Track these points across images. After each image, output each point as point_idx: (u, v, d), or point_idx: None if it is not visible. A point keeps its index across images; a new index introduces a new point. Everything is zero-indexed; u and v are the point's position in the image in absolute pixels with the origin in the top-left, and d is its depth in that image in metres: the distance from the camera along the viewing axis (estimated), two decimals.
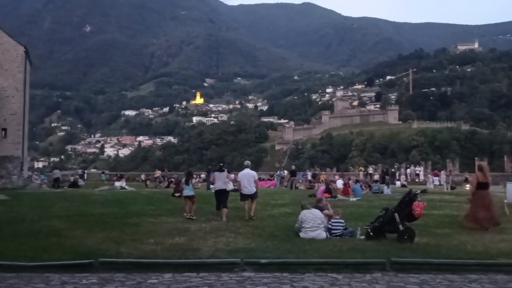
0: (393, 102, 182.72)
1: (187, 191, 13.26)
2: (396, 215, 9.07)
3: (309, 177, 33.87)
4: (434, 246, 8.52)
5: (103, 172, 52.34)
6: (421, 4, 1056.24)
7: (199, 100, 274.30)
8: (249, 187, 12.60)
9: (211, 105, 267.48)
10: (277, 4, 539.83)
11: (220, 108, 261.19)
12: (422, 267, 6.82)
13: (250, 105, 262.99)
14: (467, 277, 6.40)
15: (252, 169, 13.47)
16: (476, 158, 52.49)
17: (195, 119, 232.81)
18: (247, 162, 13.53)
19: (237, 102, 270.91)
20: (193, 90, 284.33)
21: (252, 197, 12.65)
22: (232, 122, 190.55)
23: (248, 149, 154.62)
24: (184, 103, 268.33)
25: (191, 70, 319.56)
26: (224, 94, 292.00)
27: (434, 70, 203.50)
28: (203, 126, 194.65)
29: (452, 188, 31.36)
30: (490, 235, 9.85)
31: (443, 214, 14.06)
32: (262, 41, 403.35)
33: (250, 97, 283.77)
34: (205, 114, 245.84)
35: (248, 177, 12.76)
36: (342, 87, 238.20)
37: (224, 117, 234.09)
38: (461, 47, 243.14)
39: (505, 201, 15.20)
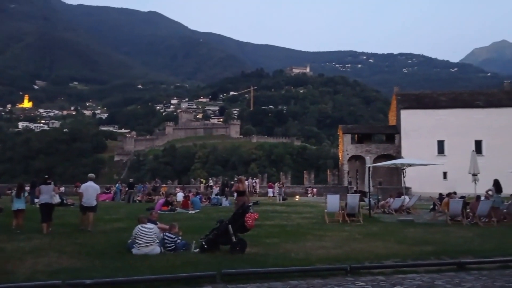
0: (235, 117, 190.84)
1: (18, 205, 12.81)
2: (230, 227, 9.33)
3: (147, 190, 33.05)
4: (262, 255, 8.98)
5: None
6: (262, 27, 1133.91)
7: (27, 103, 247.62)
8: (91, 200, 13.11)
9: (41, 110, 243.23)
10: (122, 9, 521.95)
11: (51, 114, 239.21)
12: (250, 277, 7.11)
13: (88, 112, 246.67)
14: (289, 283, 6.89)
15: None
16: (305, 171, 57.72)
17: (21, 124, 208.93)
18: (91, 175, 13.93)
19: (72, 108, 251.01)
20: (21, 93, 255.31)
21: (92, 209, 13.03)
22: (65, 130, 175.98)
23: (83, 159, 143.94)
24: (9, 106, 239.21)
25: (19, 70, 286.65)
26: (58, 99, 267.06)
27: (273, 89, 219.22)
28: (31, 132, 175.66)
29: (284, 199, 33.70)
30: (311, 242, 10.82)
31: (274, 224, 15.01)
32: (104, 46, 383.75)
33: (87, 104, 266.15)
34: (33, 119, 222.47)
35: (91, 190, 13.29)
36: (187, 99, 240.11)
37: (57, 123, 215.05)
38: (296, 70, 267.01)
39: (326, 210, 16.82)
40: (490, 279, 7.22)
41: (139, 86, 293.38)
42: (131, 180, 32.93)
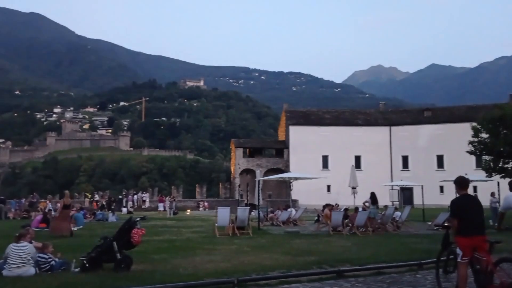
0: (125, 128, 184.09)
1: None
2: (115, 243, 8.89)
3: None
4: (149, 272, 8.68)
5: None
6: (156, 38, 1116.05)
7: None
8: None
9: None
10: None
11: None
12: None
13: None
14: None
15: None
16: (197, 185, 57.52)
17: None
18: None
19: None
20: None
21: None
22: None
23: None
24: None
25: None
26: None
27: (166, 101, 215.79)
28: None
29: (175, 213, 33.17)
30: (200, 257, 10.75)
31: (163, 240, 14.66)
32: None
33: None
34: None
35: None
36: (72, 108, 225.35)
37: None
38: (190, 83, 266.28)
39: (216, 224, 16.89)
40: (366, 285, 7.79)
41: (17, 92, 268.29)
42: (1, 197, 29.91)
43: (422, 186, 26.99)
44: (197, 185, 57.54)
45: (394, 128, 51.83)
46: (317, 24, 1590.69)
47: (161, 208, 36.18)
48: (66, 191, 18.42)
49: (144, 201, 43.34)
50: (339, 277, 8.35)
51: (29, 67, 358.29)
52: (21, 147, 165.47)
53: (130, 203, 39.95)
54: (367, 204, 18.58)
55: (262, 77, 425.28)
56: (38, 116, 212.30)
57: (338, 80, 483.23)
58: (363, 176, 36.97)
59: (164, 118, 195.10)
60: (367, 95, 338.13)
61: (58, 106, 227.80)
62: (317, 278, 8.23)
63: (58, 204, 30.79)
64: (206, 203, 44.30)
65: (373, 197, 18.15)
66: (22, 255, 8.50)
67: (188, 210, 39.41)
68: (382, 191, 23.50)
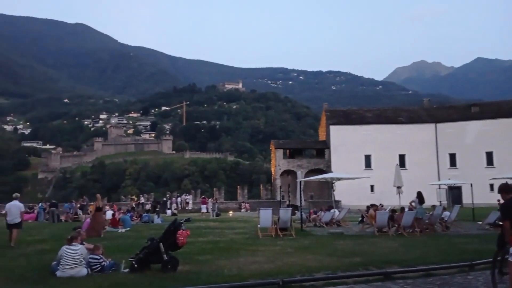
0: (167, 132, 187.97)
1: None
2: (161, 245, 9.07)
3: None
4: (195, 273, 8.80)
5: None
6: (195, 43, 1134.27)
7: None
8: (13, 217, 13.99)
9: None
10: (46, 20, 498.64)
11: None
12: None
13: (9, 128, 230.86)
14: None
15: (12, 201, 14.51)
16: (238, 186, 57.89)
17: None
18: (16, 194, 14.96)
19: None
20: None
21: (16, 226, 13.97)
22: None
23: (3, 177, 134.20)
24: None
25: None
26: None
27: (206, 105, 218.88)
28: None
29: (217, 215, 33.49)
30: (244, 258, 10.80)
31: (207, 241, 14.82)
32: (26, 58, 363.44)
33: (8, 118, 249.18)
34: None
35: (14, 209, 14.16)
36: (117, 114, 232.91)
37: None
38: (228, 86, 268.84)
39: (259, 225, 16.90)
40: (415, 287, 7.58)
41: (66, 100, 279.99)
42: (53, 201, 31.33)
43: (471, 184, 26.02)
44: (238, 186, 57.88)
45: (440, 125, 50.21)
46: (356, 21, 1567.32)
47: (204, 210, 36.63)
48: (98, 195, 19.31)
49: (187, 203, 44.02)
50: (387, 279, 8.17)
51: (76, 76, 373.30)
52: (71, 152, 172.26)
53: (174, 205, 40.69)
54: (414, 204, 18.08)
55: (301, 77, 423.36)
56: (86, 122, 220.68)
57: (379, 77, 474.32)
58: (408, 176, 36.00)
59: (204, 121, 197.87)
60: (410, 92, 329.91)
61: (104, 112, 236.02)
62: (363, 280, 8.09)
63: (107, 207, 31.89)
64: (247, 205, 44.50)
65: (420, 196, 17.66)
66: (75, 257, 8.82)
67: (230, 212, 39.73)
68: (429, 191, 22.83)
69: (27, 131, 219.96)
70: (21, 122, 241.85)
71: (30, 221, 27.57)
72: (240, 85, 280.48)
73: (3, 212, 15.14)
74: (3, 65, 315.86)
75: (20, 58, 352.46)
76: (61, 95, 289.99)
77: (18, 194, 15.29)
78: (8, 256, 11.36)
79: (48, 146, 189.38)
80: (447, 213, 19.71)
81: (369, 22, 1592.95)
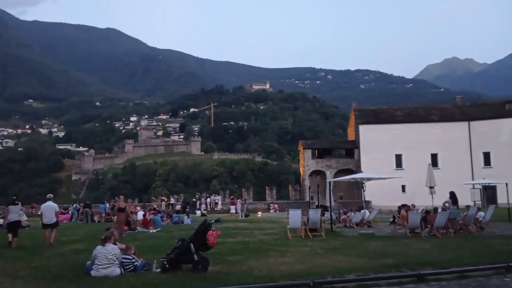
0: (196, 133, 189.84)
1: None
2: (192, 245, 9.17)
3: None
4: (225, 273, 8.86)
5: None
6: (222, 44, 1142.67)
7: None
8: (50, 218, 14.66)
9: None
10: (78, 26, 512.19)
11: (5, 133, 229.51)
12: None
13: (44, 131, 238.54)
14: None
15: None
16: (267, 187, 57.89)
17: None
18: (50, 195, 15.61)
19: (27, 126, 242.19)
20: None
21: (53, 225, 14.73)
22: (20, 149, 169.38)
23: (39, 179, 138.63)
24: None
25: None
26: (12, 117, 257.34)
27: (233, 106, 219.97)
28: None
29: (246, 215, 33.54)
30: (274, 258, 10.79)
31: (236, 241, 14.88)
32: (60, 63, 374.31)
33: (43, 122, 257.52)
34: None
35: (50, 209, 14.85)
36: (146, 116, 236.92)
37: (11, 142, 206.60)
38: (256, 87, 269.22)
39: (288, 226, 16.85)
40: None
41: (97, 103, 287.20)
42: (87, 202, 32.05)
43: (506, 183, 25.17)
44: (266, 187, 57.87)
45: (473, 123, 48.82)
46: (384, 18, 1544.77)
47: (232, 211, 36.75)
48: (121, 196, 20.04)
49: (216, 204, 44.30)
50: (420, 281, 8.01)
51: (107, 79, 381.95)
52: (103, 154, 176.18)
53: (203, 206, 41.03)
54: (447, 204, 17.65)
55: (329, 76, 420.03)
56: (117, 125, 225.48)
57: (409, 75, 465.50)
58: (441, 175, 35.14)
59: (232, 122, 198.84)
60: (442, 89, 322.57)
61: (134, 115, 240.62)
62: (396, 282, 7.95)
63: (138, 208, 32.44)
64: (276, 205, 44.43)
65: (453, 196, 17.22)
66: (109, 256, 9.02)
67: (259, 212, 39.75)
68: (463, 190, 22.24)
69: (61, 134, 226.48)
70: (56, 125, 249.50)
71: (64, 221, 28.32)
72: (268, 86, 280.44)
73: (39, 212, 15.89)
74: (38, 70, 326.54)
75: (54, 63, 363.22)
76: (93, 99, 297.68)
77: (52, 195, 15.81)
78: (44, 256, 11.71)
79: (81, 149, 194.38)
80: (481, 213, 19.18)
81: (398, 19, 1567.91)
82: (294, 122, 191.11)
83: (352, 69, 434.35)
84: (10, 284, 8.06)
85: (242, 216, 32.73)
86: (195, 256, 9.04)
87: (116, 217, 18.57)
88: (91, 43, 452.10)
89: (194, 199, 44.76)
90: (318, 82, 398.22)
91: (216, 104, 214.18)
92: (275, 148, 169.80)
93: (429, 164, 27.28)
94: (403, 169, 47.44)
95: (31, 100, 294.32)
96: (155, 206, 36.15)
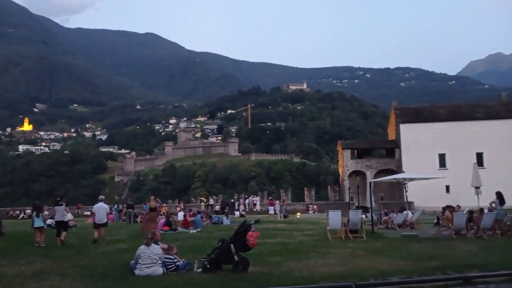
0: (233, 134, 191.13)
1: (38, 223, 14.89)
2: (232, 246, 9.23)
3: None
4: (266, 274, 8.86)
5: None
6: (258, 46, 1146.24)
7: (27, 126, 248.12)
8: (101, 217, 15.77)
9: (41, 133, 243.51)
10: (119, 31, 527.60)
11: (52, 136, 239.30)
12: None
13: (88, 134, 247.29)
14: None
15: (92, 202, 15.83)
16: (305, 188, 57.53)
17: (21, 147, 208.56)
18: (102, 197, 16.87)
19: (72, 130, 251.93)
20: (20, 116, 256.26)
21: (104, 225, 15.73)
22: (66, 152, 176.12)
23: (84, 181, 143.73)
24: (8, 129, 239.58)
25: (18, 94, 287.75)
26: (58, 121, 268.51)
27: (270, 107, 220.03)
28: (31, 155, 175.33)
29: (285, 216, 33.45)
30: (314, 260, 10.70)
31: (276, 242, 14.86)
32: (102, 68, 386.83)
33: (87, 125, 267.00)
34: (34, 142, 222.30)
35: (101, 210, 16.04)
36: (185, 118, 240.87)
37: (57, 146, 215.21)
38: (292, 87, 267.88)
39: (328, 227, 16.69)
40: None
41: (138, 106, 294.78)
42: (130, 201, 32.84)
43: None
44: (305, 188, 57.50)
45: None
46: (424, 14, 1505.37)
47: (271, 211, 36.70)
48: (152, 196, 20.59)
49: (255, 205, 44.41)
50: (467, 284, 7.74)
51: (147, 83, 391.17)
52: (144, 156, 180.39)
53: (242, 207, 41.23)
54: (494, 205, 16.98)
55: (367, 75, 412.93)
56: (157, 127, 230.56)
57: (452, 72, 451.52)
58: (487, 175, 33.83)
59: (269, 123, 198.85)
60: (486, 86, 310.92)
61: (173, 117, 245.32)
62: (441, 285, 7.72)
63: (178, 209, 33.01)
64: (315, 206, 44.05)
65: (500, 197, 16.54)
66: (152, 256, 9.23)
67: (298, 213, 39.55)
68: (510, 191, 21.28)
69: (104, 137, 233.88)
70: (99, 128, 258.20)
71: (109, 221, 29.18)
72: (305, 86, 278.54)
73: (85, 213, 16.58)
74: (82, 76, 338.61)
75: (97, 68, 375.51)
76: (134, 102, 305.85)
77: (103, 197, 17.08)
78: (90, 255, 12.11)
79: (123, 151, 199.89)
80: None
81: (439, 15, 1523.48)
82: (332, 122, 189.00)
83: (392, 67, 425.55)
84: (59, 283, 8.38)
85: (281, 217, 32.65)
86: (236, 256, 9.10)
87: (145, 216, 19.76)
88: (131, 48, 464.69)
89: (232, 200, 45.06)
90: (356, 81, 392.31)
91: (253, 105, 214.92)
92: (313, 148, 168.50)
93: (475, 163, 26.34)
94: (447, 169, 45.98)
95: (76, 105, 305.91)
96: (198, 210, 36.61)
